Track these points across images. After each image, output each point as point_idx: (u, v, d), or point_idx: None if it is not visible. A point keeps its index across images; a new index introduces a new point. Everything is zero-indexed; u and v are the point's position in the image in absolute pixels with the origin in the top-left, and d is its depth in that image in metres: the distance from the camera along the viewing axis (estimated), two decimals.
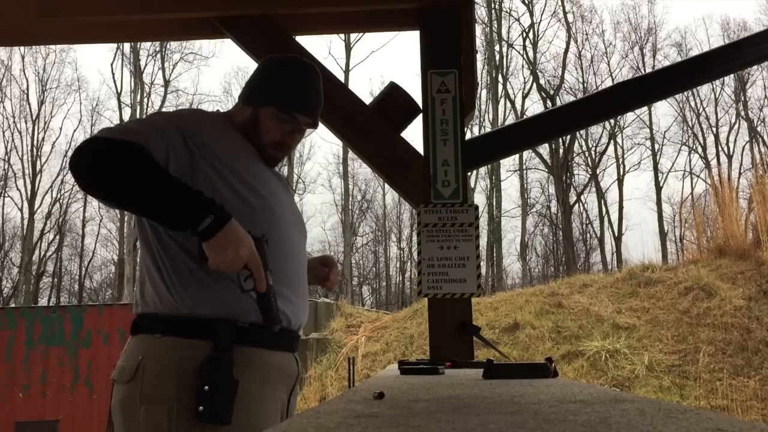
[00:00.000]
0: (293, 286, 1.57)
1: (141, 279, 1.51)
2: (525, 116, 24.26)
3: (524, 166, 26.39)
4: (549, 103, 25.37)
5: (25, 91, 28.07)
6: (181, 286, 1.43)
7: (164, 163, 1.42)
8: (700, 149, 26.86)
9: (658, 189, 25.89)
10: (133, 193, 1.36)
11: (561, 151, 25.14)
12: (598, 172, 25.92)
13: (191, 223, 1.34)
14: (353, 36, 24.51)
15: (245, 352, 1.42)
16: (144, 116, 1.63)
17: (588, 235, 27.56)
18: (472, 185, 24.41)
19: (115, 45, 24.24)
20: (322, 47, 30.59)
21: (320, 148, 53.24)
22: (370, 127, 2.88)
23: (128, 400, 1.41)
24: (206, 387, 1.34)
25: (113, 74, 29.46)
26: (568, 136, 24.36)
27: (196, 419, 1.34)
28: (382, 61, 47.50)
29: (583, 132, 25.02)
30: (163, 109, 26.15)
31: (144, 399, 1.38)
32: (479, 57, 19.62)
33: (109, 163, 1.35)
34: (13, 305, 21.53)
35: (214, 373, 1.36)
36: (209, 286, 1.43)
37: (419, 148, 2.87)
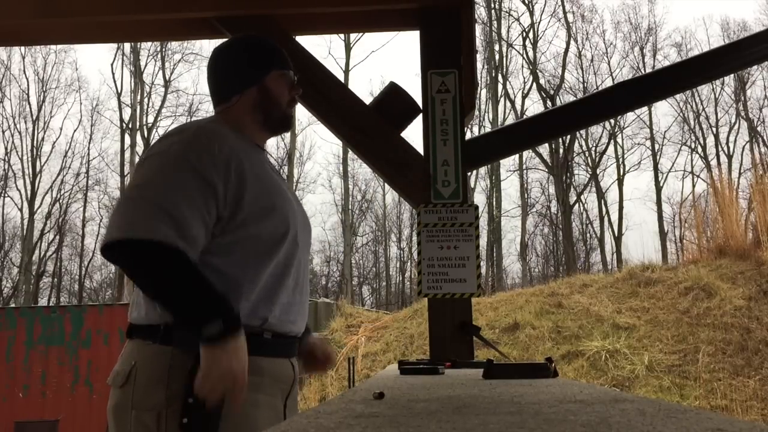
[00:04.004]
0: (297, 292, 1.56)
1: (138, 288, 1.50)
2: (525, 116, 24.25)
3: (524, 166, 26.40)
4: (549, 103, 25.36)
5: (25, 91, 28.11)
6: None
7: (208, 217, 1.42)
8: (700, 149, 26.87)
9: (658, 189, 25.89)
10: (158, 296, 1.38)
11: (561, 151, 25.13)
12: (598, 172, 25.92)
13: (199, 322, 1.31)
14: (353, 36, 24.50)
15: None
16: (161, 172, 1.46)
17: (588, 235, 27.56)
18: (472, 185, 24.40)
19: (115, 45, 24.25)
20: (322, 47, 30.58)
21: (320, 148, 53.32)
22: (370, 127, 2.88)
23: (121, 405, 1.41)
24: (190, 399, 1.33)
25: (113, 74, 29.48)
26: (568, 136, 24.35)
27: (181, 430, 1.33)
28: (382, 61, 47.49)
29: (583, 132, 25.02)
30: (164, 110, 26.27)
31: (135, 404, 1.38)
32: (479, 57, 19.64)
33: (137, 269, 1.37)
34: (13, 305, 21.52)
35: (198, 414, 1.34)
36: None
37: (419, 148, 2.87)
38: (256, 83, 1.64)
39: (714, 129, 26.78)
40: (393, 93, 2.91)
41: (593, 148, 26.11)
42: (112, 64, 35.70)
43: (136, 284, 1.40)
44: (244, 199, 1.47)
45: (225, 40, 1.79)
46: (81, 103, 40.13)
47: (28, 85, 27.74)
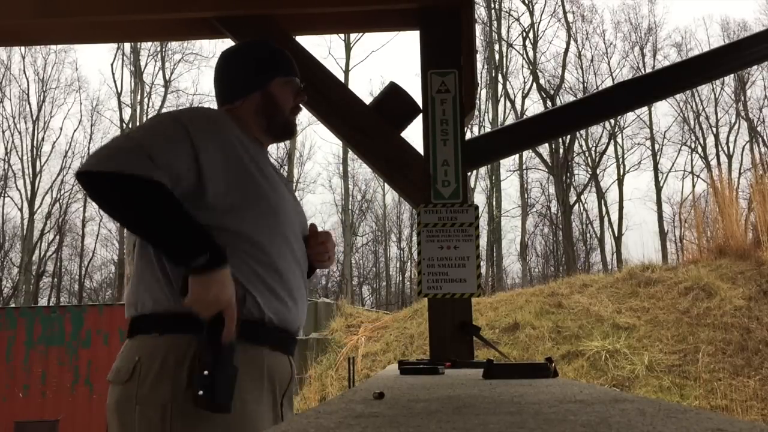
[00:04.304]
0: (293, 289, 1.56)
1: (134, 282, 1.49)
2: (525, 116, 24.24)
3: (524, 166, 26.41)
4: (549, 103, 25.35)
5: (25, 91, 28.09)
6: (176, 285, 1.42)
7: (180, 172, 1.42)
8: (700, 149, 26.86)
9: (658, 189, 25.89)
10: (140, 228, 1.41)
11: (561, 151, 25.13)
12: (598, 172, 25.92)
13: (187, 257, 1.35)
14: (353, 36, 24.50)
15: (240, 350, 1.41)
16: (153, 123, 1.59)
17: (588, 235, 27.56)
18: (472, 185, 24.39)
19: (115, 45, 24.25)
20: (322, 47, 30.52)
21: (320, 148, 53.32)
22: (370, 127, 2.88)
23: (124, 400, 1.40)
24: (206, 372, 1.33)
25: (113, 74, 29.45)
26: (568, 136, 24.34)
27: (194, 405, 1.32)
28: (382, 61, 47.49)
29: (583, 132, 25.01)
30: (164, 110, 26.27)
31: (140, 400, 1.37)
32: (479, 57, 19.62)
33: (116, 202, 1.39)
34: (13, 305, 21.51)
35: (216, 358, 1.34)
36: None
37: (419, 148, 2.87)
38: (260, 88, 1.65)
39: (714, 129, 26.79)
40: (393, 93, 2.91)
41: (593, 148, 26.12)
42: (112, 64, 35.72)
43: (115, 218, 1.42)
44: (231, 184, 1.48)
45: (233, 43, 1.80)
46: (81, 103, 40.09)
47: (28, 85, 27.74)
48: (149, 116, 25.98)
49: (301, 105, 1.72)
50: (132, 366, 1.41)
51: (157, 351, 1.40)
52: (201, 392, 1.32)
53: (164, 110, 26.28)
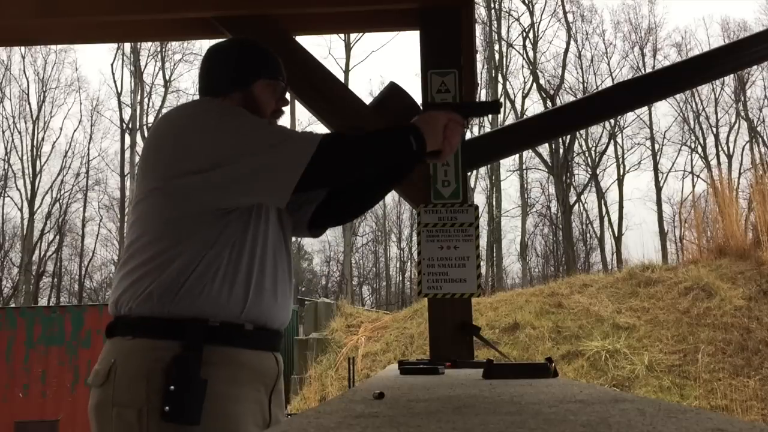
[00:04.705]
0: (274, 284, 1.54)
1: (120, 280, 1.48)
2: (525, 116, 24.24)
3: (524, 166, 26.39)
4: (549, 103, 25.34)
5: (25, 91, 28.06)
6: (157, 288, 1.41)
7: None
8: (700, 149, 26.86)
9: (658, 189, 25.88)
10: (375, 168, 1.65)
11: (561, 151, 25.13)
12: (598, 172, 25.91)
13: (409, 149, 1.55)
14: (353, 36, 24.48)
15: (216, 352, 1.41)
16: (249, 119, 1.54)
17: (588, 235, 27.56)
18: (472, 185, 24.39)
19: (115, 45, 24.24)
20: (322, 47, 30.46)
21: None
22: (370, 127, 2.88)
23: (102, 403, 1.40)
24: (172, 387, 1.33)
25: (113, 74, 29.39)
26: (568, 136, 24.34)
27: (163, 420, 1.32)
28: (382, 61, 47.48)
29: (583, 132, 25.00)
30: (164, 110, 26.27)
31: (116, 402, 1.38)
32: (479, 57, 19.61)
33: (346, 167, 1.56)
34: (13, 305, 21.51)
35: (180, 373, 1.35)
36: (184, 286, 1.41)
37: None
38: (241, 89, 1.62)
39: (714, 129, 26.78)
40: (393, 93, 2.90)
41: (593, 148, 26.11)
42: (112, 64, 35.67)
43: (347, 179, 1.64)
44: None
45: (222, 39, 1.78)
46: (81, 103, 40.00)
47: (28, 85, 27.69)
48: (152, 117, 26.01)
49: (283, 109, 1.69)
50: (108, 368, 1.40)
51: (130, 354, 1.39)
52: (167, 408, 1.33)
53: (164, 110, 26.30)
